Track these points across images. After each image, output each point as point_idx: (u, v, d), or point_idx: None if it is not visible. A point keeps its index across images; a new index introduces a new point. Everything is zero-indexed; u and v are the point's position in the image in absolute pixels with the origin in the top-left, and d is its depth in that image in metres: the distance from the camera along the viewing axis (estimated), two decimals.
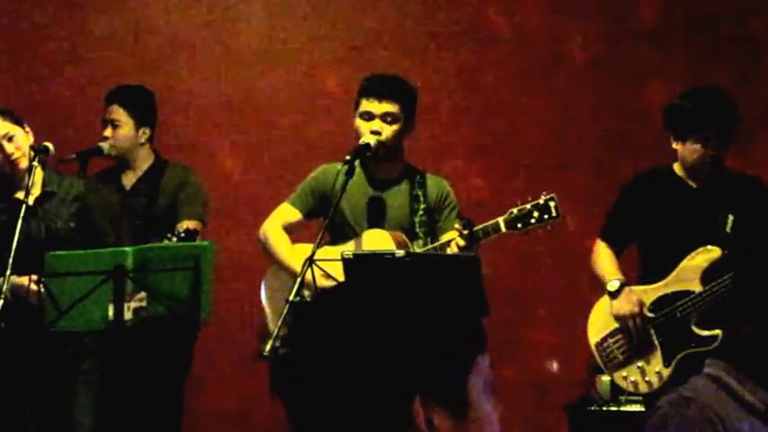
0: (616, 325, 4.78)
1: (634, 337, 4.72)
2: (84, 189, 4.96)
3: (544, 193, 4.53)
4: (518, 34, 6.51)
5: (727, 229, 4.66)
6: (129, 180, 5.44)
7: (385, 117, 4.69)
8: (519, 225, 4.49)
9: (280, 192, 5.05)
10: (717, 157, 4.68)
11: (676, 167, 4.81)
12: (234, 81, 6.50)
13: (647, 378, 4.72)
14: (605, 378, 5.24)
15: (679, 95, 4.82)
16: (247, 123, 6.50)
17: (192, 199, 5.39)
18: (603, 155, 6.40)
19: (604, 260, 4.87)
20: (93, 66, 6.40)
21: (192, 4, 6.51)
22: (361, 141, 4.65)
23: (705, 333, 4.61)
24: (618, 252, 4.90)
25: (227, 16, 6.52)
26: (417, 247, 4.65)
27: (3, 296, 4.45)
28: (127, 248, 4.47)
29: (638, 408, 5.21)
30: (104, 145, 5.35)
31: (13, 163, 4.82)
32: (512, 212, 4.51)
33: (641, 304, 4.71)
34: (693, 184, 4.78)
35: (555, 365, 6.36)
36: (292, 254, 4.71)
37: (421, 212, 4.76)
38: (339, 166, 4.68)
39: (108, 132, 5.38)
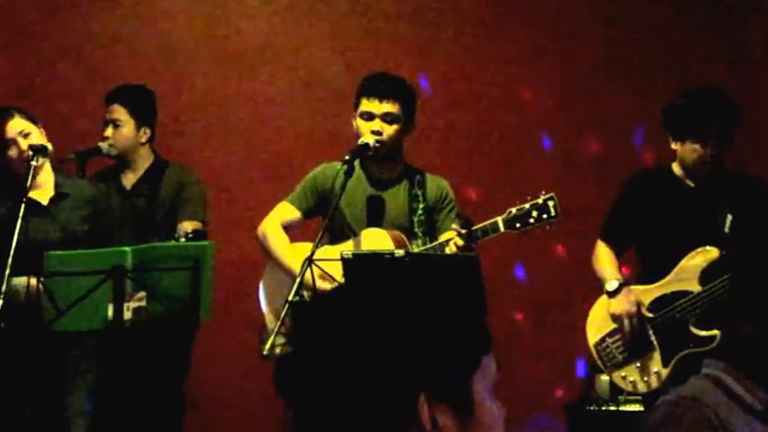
0: (615, 325, 4.78)
1: (631, 336, 4.72)
2: (93, 191, 5.00)
3: (543, 192, 4.53)
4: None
5: (726, 229, 4.65)
6: (128, 180, 5.43)
7: (385, 117, 4.69)
8: (518, 225, 4.49)
9: (279, 191, 5.05)
10: (716, 156, 4.68)
11: (675, 167, 4.81)
12: (233, 81, 6.50)
13: (645, 378, 4.72)
14: (604, 378, 5.25)
15: (678, 95, 4.82)
16: (247, 123, 6.50)
17: (193, 199, 5.39)
18: None
19: (604, 260, 4.87)
20: (92, 65, 6.40)
21: (192, 4, 6.51)
22: (360, 141, 4.65)
23: (703, 333, 4.61)
24: (618, 252, 4.91)
25: (226, 16, 6.51)
26: (416, 247, 4.65)
27: (2, 296, 4.45)
28: (126, 248, 4.48)
29: (636, 407, 5.22)
30: (103, 145, 5.35)
31: (27, 161, 4.84)
32: (510, 212, 4.51)
33: (639, 304, 4.72)
34: (692, 184, 4.78)
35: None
36: (291, 253, 4.72)
37: (420, 212, 4.76)
38: (338, 165, 4.69)
39: (109, 132, 5.37)
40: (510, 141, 6.50)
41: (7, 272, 4.50)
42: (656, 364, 4.71)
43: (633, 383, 4.76)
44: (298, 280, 4.29)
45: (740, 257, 4.42)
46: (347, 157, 4.58)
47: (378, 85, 4.72)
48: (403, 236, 4.67)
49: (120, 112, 5.38)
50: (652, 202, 4.81)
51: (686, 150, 4.71)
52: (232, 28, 6.52)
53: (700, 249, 4.65)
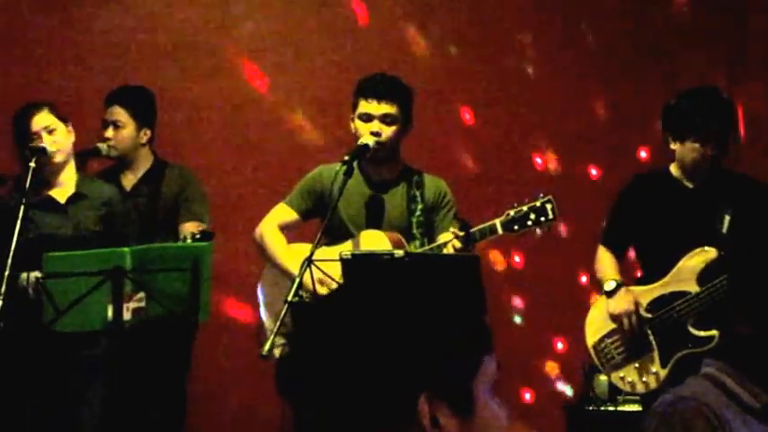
0: (613, 326, 4.79)
1: (630, 336, 4.72)
2: (112, 193, 5.06)
3: (541, 194, 4.53)
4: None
5: (724, 230, 4.66)
6: (128, 181, 5.44)
7: (384, 118, 4.69)
8: (515, 227, 4.49)
9: (278, 192, 5.05)
10: (716, 156, 4.68)
11: (673, 169, 4.82)
12: (233, 82, 6.50)
13: (644, 378, 4.73)
14: (603, 378, 5.25)
15: (677, 95, 4.82)
16: (246, 124, 6.50)
17: (194, 199, 5.40)
18: None
19: (605, 264, 4.88)
20: (92, 66, 6.40)
21: (192, 5, 6.51)
22: (360, 142, 4.66)
23: (702, 333, 4.62)
24: (620, 256, 4.91)
25: (225, 17, 6.52)
26: (414, 248, 4.65)
27: (2, 296, 4.46)
28: (125, 249, 4.49)
29: (635, 407, 5.22)
30: (102, 146, 5.36)
31: (48, 156, 4.86)
32: (508, 214, 4.51)
33: (637, 304, 4.72)
34: (690, 185, 4.79)
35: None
36: (288, 254, 4.72)
37: (418, 213, 4.76)
38: (336, 166, 4.69)
39: (109, 133, 5.37)
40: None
41: (7, 272, 4.51)
42: (654, 365, 4.71)
43: (632, 384, 4.76)
44: (297, 281, 4.29)
45: (738, 258, 4.44)
46: (346, 158, 4.58)
47: (375, 87, 4.72)
48: (401, 237, 4.67)
49: (120, 114, 5.38)
50: (651, 204, 4.81)
51: (686, 150, 4.71)
52: (231, 29, 6.52)
53: (698, 250, 4.65)
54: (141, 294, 4.53)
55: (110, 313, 4.43)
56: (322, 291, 4.41)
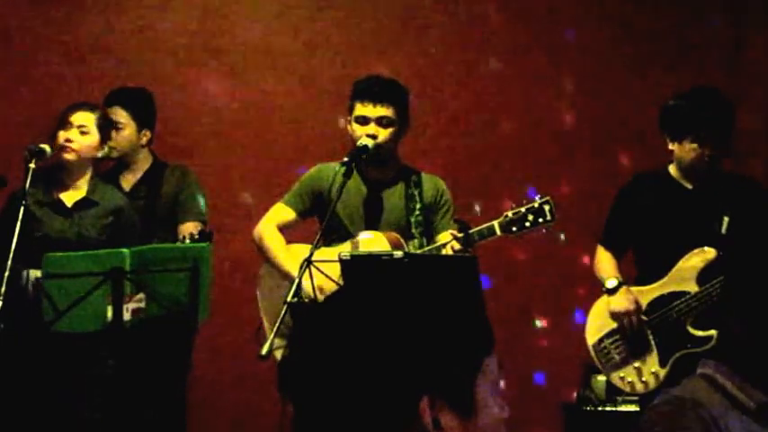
0: (613, 326, 4.80)
1: (630, 334, 4.73)
2: (123, 202, 5.07)
3: (539, 196, 4.54)
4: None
5: (723, 231, 4.67)
6: (127, 182, 5.44)
7: (380, 120, 4.70)
8: (514, 228, 4.50)
9: (277, 192, 5.06)
10: (714, 156, 4.69)
11: (671, 169, 4.82)
12: (232, 82, 6.51)
13: (643, 378, 4.73)
14: (601, 378, 5.26)
15: (675, 96, 4.83)
16: (246, 124, 6.51)
17: (192, 200, 5.40)
18: None
19: (604, 263, 4.90)
20: (92, 68, 6.41)
21: (190, 7, 6.51)
22: (359, 143, 4.66)
23: (700, 333, 4.63)
24: (619, 256, 4.92)
25: (224, 18, 6.52)
26: (413, 248, 4.65)
27: (2, 297, 4.47)
28: (124, 249, 4.49)
29: (633, 408, 5.23)
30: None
31: (62, 149, 4.88)
32: (507, 215, 4.51)
33: (638, 303, 4.73)
34: (689, 186, 4.79)
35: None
36: (287, 255, 4.72)
37: (417, 212, 4.76)
38: (335, 165, 4.70)
39: (111, 134, 5.37)
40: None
41: (7, 273, 4.52)
42: (653, 365, 4.72)
43: (631, 384, 4.77)
44: (296, 281, 4.29)
45: (736, 259, 4.45)
46: (345, 159, 4.59)
47: (371, 89, 4.73)
48: (400, 238, 4.68)
49: (121, 115, 5.39)
50: (649, 205, 4.82)
51: (684, 150, 4.72)
52: (231, 30, 6.53)
53: (697, 250, 4.66)
54: (141, 295, 4.54)
55: (109, 314, 4.44)
56: (323, 288, 4.42)
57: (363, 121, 4.71)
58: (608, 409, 5.38)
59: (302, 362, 3.60)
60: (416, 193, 4.79)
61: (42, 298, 4.51)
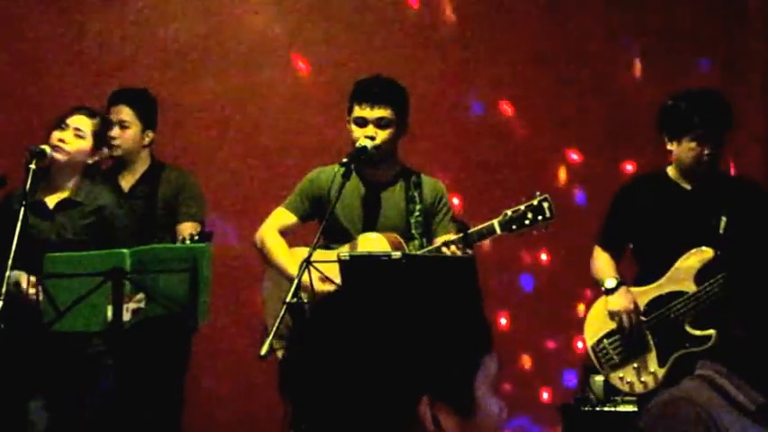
0: (612, 326, 4.80)
1: (629, 334, 4.74)
2: (107, 200, 4.98)
3: (537, 193, 4.55)
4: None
5: (721, 231, 4.67)
6: (127, 182, 5.45)
7: (378, 122, 4.70)
8: (514, 227, 4.51)
9: (279, 194, 5.07)
10: (712, 155, 4.70)
11: (670, 170, 4.83)
12: (232, 83, 6.52)
13: (642, 378, 4.74)
14: (599, 378, 5.27)
15: (672, 96, 4.84)
16: (246, 125, 6.52)
17: (191, 201, 5.41)
18: None
19: (602, 264, 4.90)
20: (92, 69, 6.42)
21: (190, 8, 6.52)
22: (357, 145, 4.67)
23: (699, 333, 4.64)
24: (617, 257, 4.93)
25: (224, 19, 6.53)
26: (413, 248, 4.67)
27: (2, 297, 4.47)
28: (124, 250, 4.50)
29: (631, 408, 5.23)
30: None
31: (54, 149, 4.85)
32: (506, 214, 4.53)
33: (636, 303, 4.74)
34: (687, 187, 4.80)
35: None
36: (289, 258, 4.73)
37: (417, 213, 4.77)
38: (334, 168, 4.71)
39: (115, 132, 5.37)
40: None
41: (7, 273, 4.52)
42: (652, 365, 4.73)
43: (630, 384, 4.78)
44: (295, 282, 4.30)
45: (734, 259, 4.46)
46: (344, 161, 4.60)
47: (369, 91, 4.73)
48: (399, 238, 4.69)
49: (127, 114, 5.40)
50: (648, 206, 4.82)
51: (682, 150, 4.73)
52: (231, 30, 6.54)
53: (694, 250, 4.67)
54: (141, 295, 4.55)
55: (109, 314, 4.44)
56: (321, 288, 4.42)
57: (362, 122, 4.71)
58: (606, 409, 5.38)
59: (300, 363, 3.61)
60: (416, 194, 4.80)
61: (36, 299, 4.53)
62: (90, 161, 4.95)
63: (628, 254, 4.99)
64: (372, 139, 4.68)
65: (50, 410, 4.89)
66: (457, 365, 1.69)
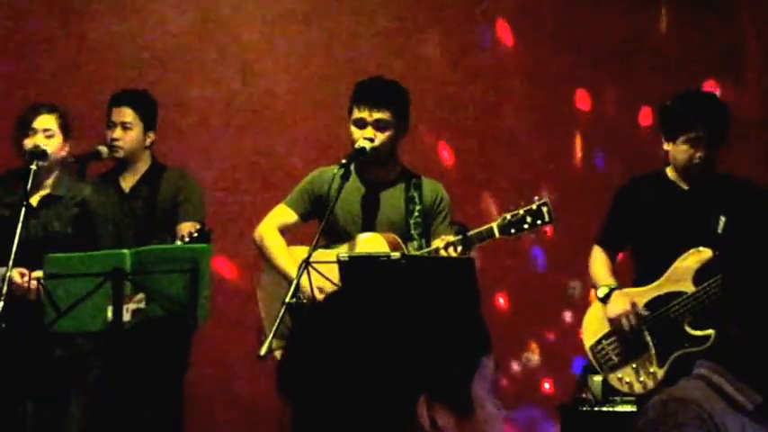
0: (611, 327, 4.82)
1: (629, 336, 4.75)
2: (89, 193, 5.01)
3: (536, 198, 4.59)
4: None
5: (719, 231, 4.68)
6: (127, 183, 5.46)
7: (377, 124, 4.73)
8: (512, 230, 4.55)
9: (278, 193, 5.08)
10: (706, 158, 4.71)
11: (669, 171, 4.84)
12: (232, 85, 6.53)
13: (641, 379, 4.75)
14: (597, 378, 5.27)
15: (671, 96, 4.86)
16: (246, 126, 6.53)
17: (191, 201, 5.42)
18: None
19: (599, 266, 4.91)
20: (94, 71, 6.43)
21: (190, 11, 6.53)
22: (356, 146, 4.70)
23: (698, 333, 4.64)
24: (614, 256, 4.95)
25: (223, 22, 6.54)
26: (412, 249, 4.68)
27: (2, 297, 4.49)
28: (125, 250, 4.51)
29: (630, 408, 5.23)
30: (103, 149, 5.38)
31: (34, 157, 4.87)
32: (505, 218, 4.56)
33: (633, 303, 4.74)
34: (685, 187, 4.81)
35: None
36: (287, 256, 4.74)
37: (416, 214, 4.79)
38: (335, 168, 4.73)
39: (117, 133, 5.39)
40: None
41: (8, 273, 4.54)
42: (651, 365, 4.73)
43: (629, 384, 4.78)
44: (295, 282, 4.31)
45: (732, 259, 4.46)
46: (344, 161, 4.62)
47: (368, 93, 4.75)
48: (398, 239, 4.70)
49: (129, 115, 5.42)
50: (646, 206, 4.83)
51: (676, 151, 4.74)
52: (229, 33, 6.54)
53: (693, 250, 4.68)
54: (141, 295, 4.56)
55: (109, 314, 4.45)
56: (321, 288, 4.44)
57: (361, 124, 4.74)
58: (605, 409, 5.39)
59: (298, 363, 3.62)
60: (416, 195, 4.81)
61: (30, 295, 4.55)
62: (65, 154, 5.00)
63: (627, 253, 5.00)
64: (371, 140, 4.70)
65: (41, 411, 4.90)
66: (455, 366, 1.69)
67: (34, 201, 4.96)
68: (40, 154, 4.84)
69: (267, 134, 6.53)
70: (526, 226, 4.55)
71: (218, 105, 6.52)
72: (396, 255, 4.35)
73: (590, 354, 4.87)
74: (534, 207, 4.56)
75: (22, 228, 4.78)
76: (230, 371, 6.35)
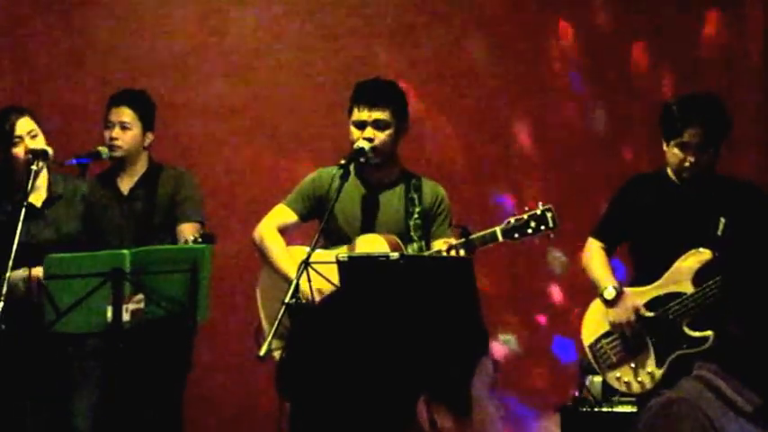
0: (610, 326, 4.82)
1: (629, 336, 4.76)
2: (86, 190, 5.03)
3: (541, 203, 4.60)
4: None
5: (719, 232, 4.68)
6: (125, 184, 5.46)
7: (376, 124, 4.74)
8: (516, 235, 4.57)
9: (278, 194, 5.08)
10: (696, 163, 4.71)
11: (669, 171, 4.85)
12: (232, 85, 6.54)
13: (639, 378, 4.75)
14: (597, 379, 5.28)
15: (675, 97, 4.87)
16: (246, 126, 6.53)
17: (190, 201, 5.42)
18: None
19: (597, 263, 4.91)
20: (94, 71, 6.43)
21: (190, 10, 6.53)
22: (355, 146, 4.71)
23: (697, 334, 4.63)
24: (609, 250, 4.96)
25: (224, 21, 6.54)
26: (412, 251, 4.68)
27: (2, 298, 4.49)
28: (125, 251, 4.52)
29: (629, 408, 5.23)
30: (103, 149, 5.38)
31: (18, 160, 4.89)
32: (509, 222, 4.58)
33: (636, 310, 4.75)
34: (685, 188, 4.82)
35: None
36: (286, 257, 4.75)
37: (416, 216, 4.79)
38: (335, 169, 4.74)
39: (116, 133, 5.39)
40: None
41: (8, 274, 4.54)
42: (650, 365, 4.73)
43: (627, 384, 4.78)
44: (294, 282, 4.32)
45: (732, 261, 4.47)
46: (343, 162, 4.64)
47: (367, 94, 4.77)
48: (398, 240, 4.71)
49: (128, 115, 5.42)
50: (646, 205, 4.84)
51: (669, 154, 4.77)
52: (230, 32, 6.55)
53: (692, 251, 4.68)
54: (140, 296, 4.56)
55: (109, 315, 4.46)
56: (321, 288, 4.44)
57: (360, 124, 4.75)
58: (604, 409, 5.39)
59: (300, 362, 3.62)
60: (416, 196, 4.82)
61: (38, 296, 4.54)
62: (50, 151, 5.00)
63: (625, 254, 5.01)
64: (370, 140, 4.71)
65: (41, 411, 4.91)
66: (454, 366, 1.70)
67: (38, 202, 4.97)
68: (41, 154, 4.85)
69: (267, 135, 6.53)
70: (530, 231, 4.57)
71: (217, 106, 6.52)
72: (394, 255, 4.35)
73: (588, 352, 4.88)
74: (539, 212, 4.58)
75: (28, 230, 4.79)
76: (230, 371, 6.35)
